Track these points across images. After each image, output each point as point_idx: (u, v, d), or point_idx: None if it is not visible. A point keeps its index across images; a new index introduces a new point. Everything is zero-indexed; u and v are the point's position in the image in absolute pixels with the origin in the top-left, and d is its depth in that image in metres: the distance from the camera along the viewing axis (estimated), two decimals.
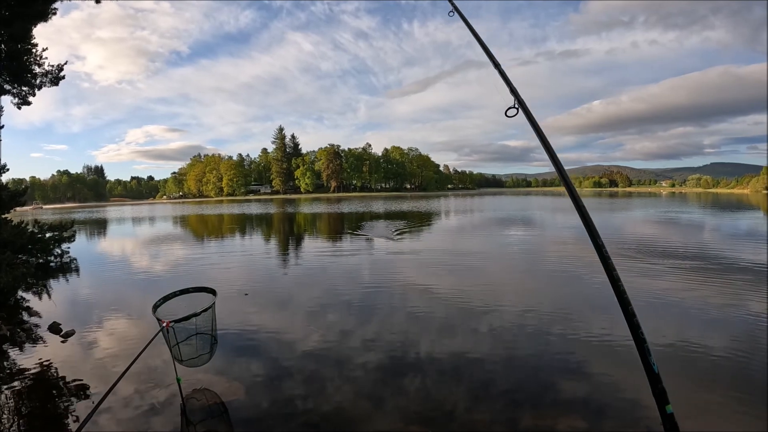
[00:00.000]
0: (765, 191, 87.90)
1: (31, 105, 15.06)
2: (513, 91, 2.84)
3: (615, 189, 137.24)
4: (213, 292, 6.29)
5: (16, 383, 6.46)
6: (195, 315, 5.56)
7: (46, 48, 14.66)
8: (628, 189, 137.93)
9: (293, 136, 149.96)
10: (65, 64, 15.28)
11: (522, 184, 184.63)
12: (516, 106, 2.80)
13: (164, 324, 5.34)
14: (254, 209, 64.33)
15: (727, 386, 6.02)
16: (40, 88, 15.03)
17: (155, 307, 5.79)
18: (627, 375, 6.32)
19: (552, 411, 5.39)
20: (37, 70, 14.67)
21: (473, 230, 28.25)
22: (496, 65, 3.07)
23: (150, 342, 4.73)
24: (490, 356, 7.23)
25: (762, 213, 39.69)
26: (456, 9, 3.61)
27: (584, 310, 9.63)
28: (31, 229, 17.21)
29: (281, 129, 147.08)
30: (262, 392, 6.12)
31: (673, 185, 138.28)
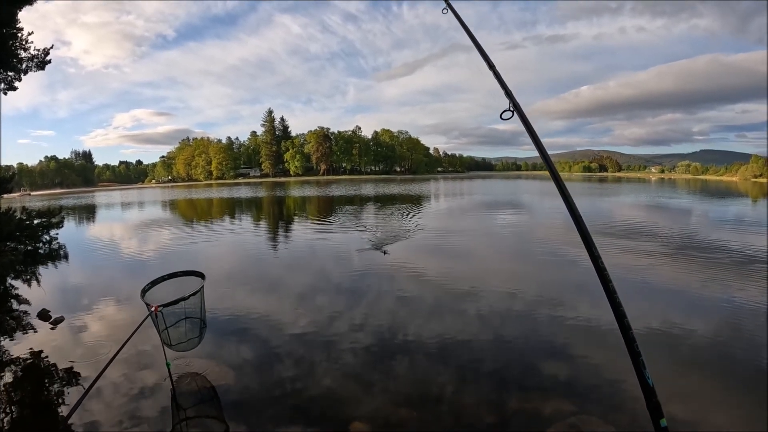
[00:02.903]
0: (753, 179, 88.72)
1: (18, 90, 14.81)
2: (508, 93, 2.82)
3: (604, 174, 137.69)
4: (201, 275, 6.32)
5: (5, 371, 6.52)
6: (183, 299, 5.62)
7: (32, 32, 14.38)
8: (617, 174, 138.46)
9: (282, 119, 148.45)
10: (51, 48, 14.99)
11: (512, 167, 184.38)
12: (511, 109, 2.79)
13: (152, 308, 5.38)
14: (244, 193, 64.00)
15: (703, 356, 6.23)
16: (26, 72, 14.76)
17: (143, 291, 5.81)
18: (612, 358, 6.47)
19: (538, 393, 5.55)
20: (23, 54, 14.39)
21: (462, 214, 28.37)
22: (491, 66, 3.06)
23: (138, 327, 4.78)
24: (477, 339, 7.38)
25: (750, 200, 40.08)
26: (450, 7, 3.57)
27: (570, 294, 9.83)
28: (19, 216, 17.03)
29: (270, 112, 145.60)
30: (251, 376, 6.23)
31: (662, 171, 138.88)
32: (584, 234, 2.28)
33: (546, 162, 2.59)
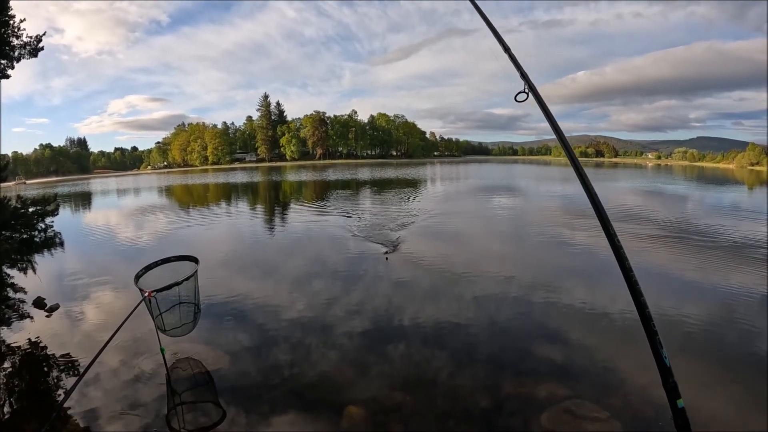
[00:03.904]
0: (750, 167, 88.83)
1: (11, 79, 14.68)
2: (523, 75, 2.77)
3: (601, 159, 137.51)
4: (195, 260, 6.31)
5: (2, 359, 6.50)
6: (177, 284, 5.60)
7: (24, 19, 14.20)
8: (614, 159, 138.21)
9: (278, 104, 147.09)
10: (44, 35, 14.81)
11: (508, 152, 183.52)
12: (526, 90, 2.74)
13: (146, 294, 5.38)
14: (240, 178, 63.71)
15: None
16: (18, 60, 14.58)
17: (137, 277, 5.81)
18: (606, 342, 6.52)
19: (533, 377, 5.58)
20: (15, 42, 14.22)
21: (459, 198, 28.37)
22: (506, 49, 3.01)
23: (131, 313, 4.78)
24: (473, 323, 7.41)
25: (746, 188, 40.13)
26: None
27: (566, 278, 9.84)
28: (13, 205, 16.95)
29: (266, 96, 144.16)
30: (246, 360, 6.25)
31: (659, 157, 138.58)
32: (600, 212, 2.25)
33: (563, 144, 2.55)
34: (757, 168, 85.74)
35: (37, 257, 13.98)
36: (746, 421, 4.66)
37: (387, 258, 11.56)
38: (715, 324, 7.20)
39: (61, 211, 21.79)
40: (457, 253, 12.34)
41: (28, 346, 6.91)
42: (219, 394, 5.44)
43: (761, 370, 5.58)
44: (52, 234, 18.24)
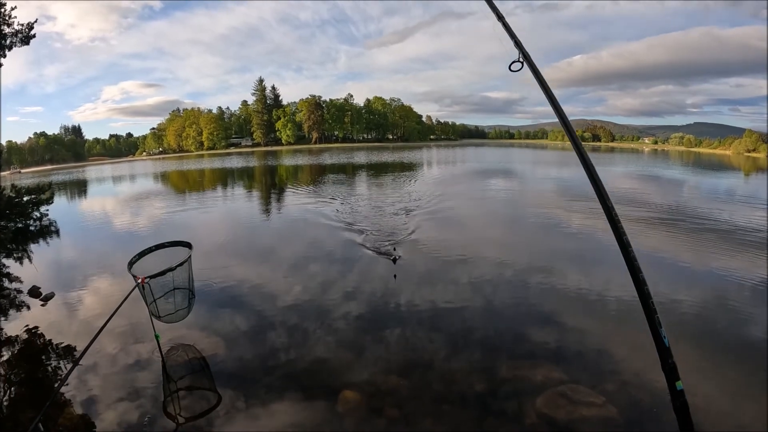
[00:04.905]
0: (747, 153, 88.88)
1: (4, 67, 14.59)
2: (518, 44, 2.71)
3: (598, 143, 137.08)
4: (189, 245, 6.27)
5: None
6: (170, 269, 5.58)
7: (15, 7, 14.05)
8: (610, 144, 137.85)
9: (273, 88, 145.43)
10: (35, 22, 14.70)
11: (505, 135, 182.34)
12: (521, 59, 2.69)
13: (139, 280, 5.35)
14: (235, 163, 63.36)
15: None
16: (10, 48, 14.48)
17: (131, 263, 5.78)
18: (601, 326, 6.54)
19: (528, 361, 5.60)
20: (7, 30, 14.08)
21: (455, 181, 28.30)
22: (500, 17, 2.94)
23: (124, 300, 4.74)
24: (469, 307, 7.41)
25: (742, 174, 40.11)
26: None
27: (562, 262, 9.84)
28: (8, 194, 16.85)
29: (261, 80, 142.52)
30: (242, 346, 6.27)
31: (655, 142, 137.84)
32: (601, 194, 2.21)
33: (559, 116, 2.51)
34: (754, 155, 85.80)
35: (32, 246, 13.94)
36: (745, 406, 4.69)
37: (396, 260, 9.79)
38: (712, 307, 7.23)
39: (56, 199, 21.72)
40: (458, 237, 12.34)
41: (23, 335, 6.89)
42: (215, 380, 5.46)
43: (761, 352, 5.61)
44: (48, 223, 18.22)
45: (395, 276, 8.92)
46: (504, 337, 6.35)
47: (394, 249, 10.53)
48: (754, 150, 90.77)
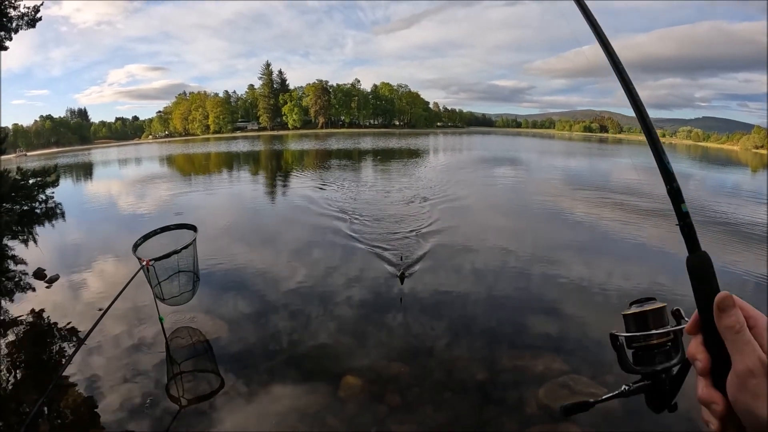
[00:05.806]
0: (754, 150, 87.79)
1: (10, 51, 14.57)
2: (592, 22, 2.60)
3: (605, 135, 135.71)
4: (194, 228, 6.27)
5: (2, 330, 6.54)
6: (176, 252, 5.58)
7: None
8: (618, 135, 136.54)
9: (280, 72, 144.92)
10: (41, 5, 14.64)
11: (512, 124, 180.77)
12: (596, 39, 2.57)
13: (144, 262, 5.35)
14: (241, 147, 63.30)
15: None
16: (16, 31, 14.42)
17: (135, 246, 5.78)
18: (601, 317, 6.50)
19: (529, 351, 5.57)
20: (13, 13, 14.03)
21: (460, 170, 28.15)
22: None
23: (129, 282, 4.75)
24: (471, 295, 7.39)
25: (749, 170, 39.71)
26: None
27: (564, 252, 9.79)
28: (13, 177, 16.89)
29: (268, 65, 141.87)
30: (245, 329, 6.29)
31: (663, 135, 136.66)
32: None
33: (634, 105, 2.44)
34: (761, 151, 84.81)
35: (37, 229, 14.00)
36: None
37: (403, 277, 8.00)
38: None
39: (61, 182, 21.76)
40: (462, 225, 12.29)
41: (28, 318, 6.94)
42: (218, 363, 5.48)
43: None
44: (53, 205, 18.23)
45: (401, 299, 7.30)
46: (505, 327, 6.34)
47: (401, 259, 8.74)
48: (762, 146, 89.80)
